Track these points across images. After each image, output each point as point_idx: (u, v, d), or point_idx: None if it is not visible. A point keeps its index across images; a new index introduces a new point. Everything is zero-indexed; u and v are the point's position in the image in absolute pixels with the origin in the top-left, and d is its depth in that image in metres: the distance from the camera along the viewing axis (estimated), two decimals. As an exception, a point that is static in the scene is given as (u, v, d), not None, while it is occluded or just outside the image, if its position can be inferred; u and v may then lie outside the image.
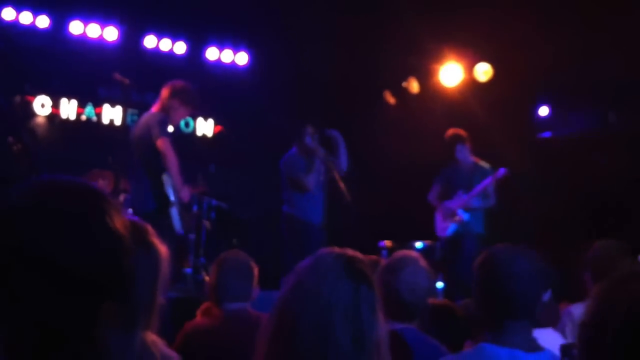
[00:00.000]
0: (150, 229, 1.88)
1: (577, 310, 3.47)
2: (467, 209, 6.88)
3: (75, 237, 1.12)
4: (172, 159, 5.27)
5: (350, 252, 1.70)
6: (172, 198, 5.33)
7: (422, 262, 3.02)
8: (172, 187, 5.35)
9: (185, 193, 5.45)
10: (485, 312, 2.44)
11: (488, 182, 6.77)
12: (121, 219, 1.19)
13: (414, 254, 3.12)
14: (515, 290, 2.35)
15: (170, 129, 5.55)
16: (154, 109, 5.60)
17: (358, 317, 1.60)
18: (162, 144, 5.26)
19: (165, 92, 5.57)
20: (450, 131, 7.03)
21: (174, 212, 5.36)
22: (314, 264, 1.67)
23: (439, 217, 7.04)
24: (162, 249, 1.85)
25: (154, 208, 5.29)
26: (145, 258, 1.79)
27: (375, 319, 1.62)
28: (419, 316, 2.96)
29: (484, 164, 7.02)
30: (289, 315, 1.62)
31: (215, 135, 9.78)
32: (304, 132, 6.48)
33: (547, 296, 3.68)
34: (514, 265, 2.38)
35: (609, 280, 1.44)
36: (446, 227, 6.92)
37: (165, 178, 5.34)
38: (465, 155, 6.98)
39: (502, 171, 6.77)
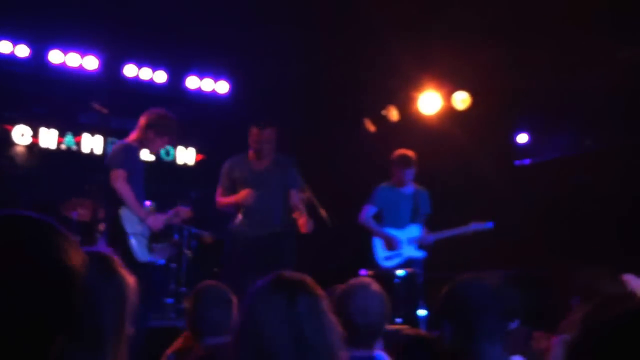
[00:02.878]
0: (116, 259, 1.87)
1: None
2: (421, 246, 6.73)
3: (27, 273, 1.12)
4: (124, 192, 5.20)
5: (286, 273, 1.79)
6: (128, 230, 5.22)
7: (375, 287, 3.03)
8: (132, 218, 5.26)
9: (153, 222, 5.35)
10: (458, 339, 2.46)
11: (469, 229, 6.54)
12: (77, 254, 1.19)
13: (366, 279, 3.14)
14: (482, 319, 2.40)
15: (150, 157, 5.55)
16: (131, 137, 5.58)
17: (297, 326, 1.65)
18: (113, 176, 5.23)
19: (141, 122, 5.54)
20: (400, 152, 6.78)
21: (133, 242, 5.23)
22: (254, 287, 1.76)
23: (380, 244, 6.78)
24: (129, 278, 1.84)
25: (108, 239, 5.27)
26: (111, 288, 1.79)
27: (320, 325, 1.67)
28: (375, 342, 2.97)
29: (422, 188, 6.91)
30: (236, 345, 1.69)
31: (197, 163, 9.78)
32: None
33: (515, 324, 3.71)
34: (475, 293, 2.45)
35: (593, 303, 1.46)
36: (392, 258, 6.68)
37: (123, 211, 5.26)
38: (410, 179, 6.77)
39: (489, 225, 6.55)
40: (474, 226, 6.58)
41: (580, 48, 7.00)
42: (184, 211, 5.76)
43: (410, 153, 6.74)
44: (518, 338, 3.48)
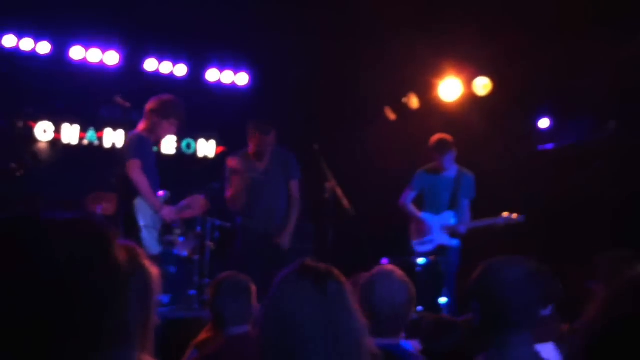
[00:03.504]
0: (141, 251, 1.89)
1: None
2: (453, 235, 6.73)
3: (82, 275, 1.15)
4: (139, 182, 5.21)
5: (309, 262, 1.79)
6: (141, 222, 5.22)
7: (399, 275, 3.02)
8: (145, 210, 5.27)
9: (167, 213, 5.38)
10: (485, 326, 2.42)
11: (500, 222, 6.53)
12: (121, 250, 1.22)
13: (389, 267, 3.12)
14: (511, 299, 2.34)
15: (171, 150, 5.56)
16: (139, 127, 5.59)
17: (328, 312, 1.66)
18: (129, 166, 5.24)
19: (146, 109, 5.56)
20: (437, 137, 6.82)
21: (145, 234, 5.24)
22: (278, 279, 1.75)
23: (416, 230, 6.82)
24: (153, 270, 1.86)
25: (122, 232, 5.24)
26: (136, 280, 1.80)
27: (349, 311, 1.68)
28: (401, 330, 2.96)
29: (468, 172, 6.89)
30: (262, 334, 1.69)
31: (217, 155, 9.81)
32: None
33: (548, 311, 3.66)
34: (509, 274, 2.37)
35: (613, 289, 1.43)
36: (425, 244, 6.72)
37: (138, 202, 5.26)
38: (451, 163, 6.79)
39: (520, 219, 6.53)
40: (506, 218, 6.54)
41: (601, 32, 6.91)
42: (199, 201, 5.76)
43: (447, 137, 6.76)
44: (551, 324, 3.43)
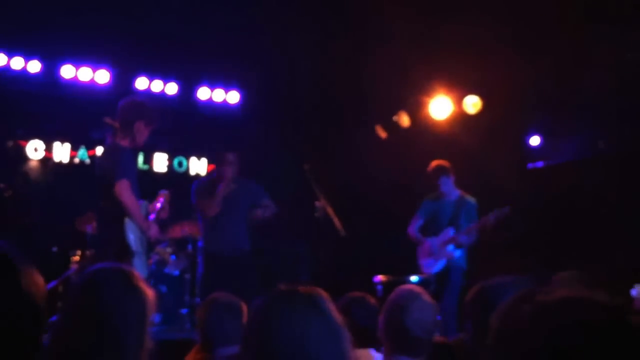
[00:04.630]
0: (136, 273, 1.89)
1: None
2: (457, 246, 6.82)
3: None
4: (129, 204, 4.92)
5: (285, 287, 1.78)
6: (133, 247, 4.97)
7: (427, 297, 3.03)
8: (134, 233, 5.01)
9: (154, 233, 5.12)
10: (481, 349, 2.40)
11: (490, 217, 6.58)
12: (33, 279, 1.22)
13: (417, 288, 3.13)
14: None
15: (163, 168, 5.43)
16: (117, 139, 5.24)
17: (330, 330, 1.66)
18: (118, 187, 4.92)
19: (121, 120, 5.20)
20: (434, 163, 6.95)
21: (136, 262, 4.94)
22: (262, 301, 1.73)
23: (422, 253, 6.94)
24: (149, 292, 1.86)
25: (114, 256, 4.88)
26: (133, 302, 1.80)
27: (337, 336, 1.69)
28: (426, 351, 2.96)
29: (470, 198, 6.98)
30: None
31: (209, 173, 9.80)
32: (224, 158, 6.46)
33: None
34: (504, 298, 2.36)
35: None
36: (432, 264, 6.81)
37: (128, 223, 4.99)
38: (450, 188, 6.90)
39: (506, 209, 6.58)
40: (494, 214, 6.60)
41: (592, 49, 6.98)
42: (188, 227, 5.65)
43: (444, 163, 6.87)
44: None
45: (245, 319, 3.39)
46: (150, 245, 5.27)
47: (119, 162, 5.03)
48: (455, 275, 6.70)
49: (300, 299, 1.72)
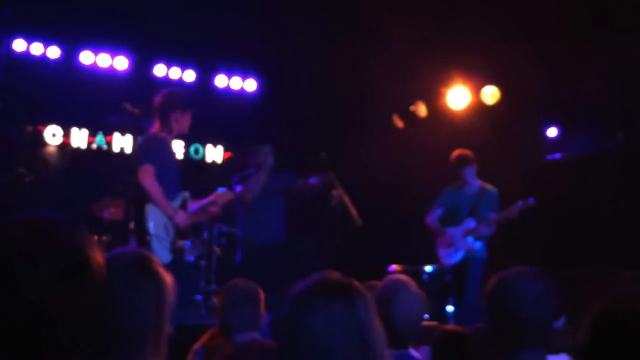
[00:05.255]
0: (155, 258, 1.90)
1: None
2: (478, 238, 6.77)
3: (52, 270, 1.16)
4: (151, 189, 4.98)
5: (329, 274, 1.77)
6: (151, 231, 4.99)
7: (414, 288, 3.02)
8: (157, 217, 5.04)
9: (181, 219, 5.14)
10: (498, 339, 2.39)
11: (515, 209, 6.51)
12: (99, 251, 1.23)
13: (404, 279, 3.12)
14: (527, 316, 2.29)
15: (178, 154, 5.41)
16: (154, 128, 5.35)
17: (360, 328, 1.65)
18: (141, 173, 5.00)
19: (159, 109, 5.29)
20: (457, 152, 6.88)
21: (155, 243, 5.00)
22: (299, 295, 1.72)
23: (441, 243, 6.89)
24: (167, 277, 1.87)
25: (134, 239, 5.09)
26: (151, 287, 1.82)
27: (375, 325, 1.68)
28: (413, 341, 2.96)
29: (491, 187, 6.93)
30: (290, 353, 1.67)
31: (225, 161, 9.84)
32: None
33: (561, 322, 3.64)
34: (524, 290, 2.32)
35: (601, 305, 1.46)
36: (451, 254, 6.78)
37: (149, 209, 5.05)
38: (473, 178, 6.85)
39: (531, 200, 6.51)
40: (519, 206, 6.54)
41: (609, 42, 6.91)
42: (224, 195, 5.62)
43: (467, 152, 6.80)
44: (564, 335, 3.42)
45: (262, 306, 3.42)
46: (180, 233, 5.20)
47: (145, 148, 5.13)
48: (476, 266, 6.65)
49: (338, 294, 1.69)
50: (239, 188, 6.64)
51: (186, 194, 5.31)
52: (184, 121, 5.34)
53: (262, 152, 6.69)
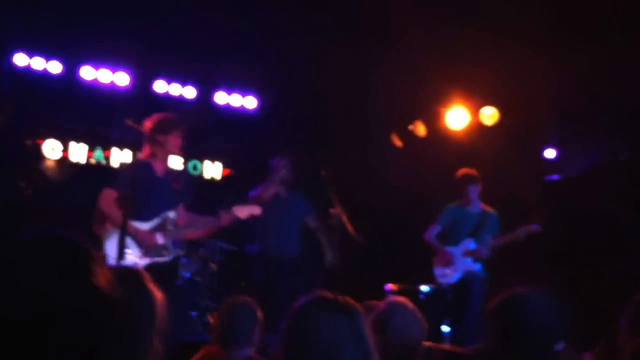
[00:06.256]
0: (145, 274, 1.90)
1: None
2: (477, 259, 6.74)
3: (59, 295, 1.15)
4: (105, 210, 5.18)
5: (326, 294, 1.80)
6: (107, 251, 5.10)
7: (412, 309, 3.01)
8: (113, 238, 5.13)
9: (141, 237, 5.19)
10: (502, 356, 2.36)
11: (519, 235, 6.54)
12: (104, 273, 1.22)
13: (403, 300, 3.12)
14: (532, 336, 2.28)
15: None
16: (143, 152, 5.48)
17: (361, 344, 1.68)
18: (100, 195, 5.25)
19: (145, 132, 5.38)
20: (463, 170, 6.90)
21: (109, 261, 5.02)
22: (302, 312, 1.74)
23: (438, 261, 6.86)
24: (158, 294, 1.86)
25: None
26: (142, 303, 1.81)
27: (369, 341, 1.70)
28: None
29: (492, 211, 6.93)
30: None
31: (224, 178, 9.84)
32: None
33: (560, 346, 3.62)
34: (529, 310, 2.32)
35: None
36: (449, 274, 6.78)
37: (109, 230, 5.20)
38: (476, 197, 6.85)
39: (535, 227, 6.56)
40: (524, 229, 6.56)
41: (608, 62, 6.95)
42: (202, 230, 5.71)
43: (472, 171, 6.80)
44: (565, 358, 3.40)
45: (261, 322, 3.42)
46: (146, 251, 5.24)
47: (115, 174, 5.52)
48: (479, 286, 6.63)
49: (342, 311, 1.73)
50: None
51: (170, 213, 5.34)
52: (169, 144, 5.40)
53: (281, 165, 6.76)
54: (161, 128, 5.38)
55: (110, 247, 5.13)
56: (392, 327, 2.89)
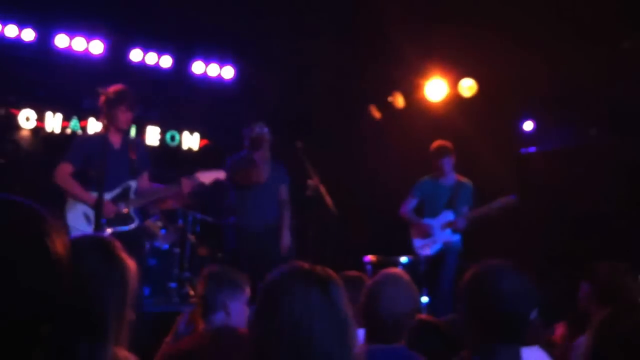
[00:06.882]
0: (117, 243, 1.87)
1: None
2: (455, 230, 6.78)
3: (13, 261, 1.12)
4: (62, 184, 5.27)
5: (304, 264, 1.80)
6: (69, 222, 5.18)
7: (405, 281, 3.01)
8: (74, 208, 5.23)
9: (108, 209, 5.21)
10: (473, 333, 2.36)
11: (496, 205, 6.58)
12: (61, 239, 1.20)
13: (397, 271, 3.12)
14: (504, 311, 2.29)
15: (154, 142, 5.37)
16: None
17: (336, 314, 1.68)
18: (55, 170, 5.32)
19: (100, 106, 5.39)
20: (437, 143, 6.86)
21: (72, 233, 5.08)
22: (275, 283, 1.74)
23: (416, 233, 6.88)
24: (131, 263, 1.84)
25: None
26: (112, 272, 1.79)
27: (348, 312, 1.71)
28: (404, 335, 2.95)
29: (466, 181, 6.96)
30: (269, 338, 1.68)
31: (201, 149, 9.79)
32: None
33: (533, 315, 3.67)
34: (502, 284, 2.31)
35: (609, 312, 1.46)
36: (429, 245, 6.81)
37: (68, 202, 5.28)
38: (450, 170, 6.87)
39: (512, 197, 6.58)
40: (500, 201, 6.61)
41: (586, 37, 6.96)
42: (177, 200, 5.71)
43: (446, 143, 6.80)
44: (536, 328, 3.45)
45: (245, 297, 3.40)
46: (110, 220, 5.25)
47: (67, 147, 5.48)
48: (451, 258, 6.69)
49: (315, 281, 1.72)
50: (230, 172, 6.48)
51: (131, 182, 5.40)
52: (117, 118, 5.39)
53: (255, 130, 6.60)
54: (110, 102, 5.35)
55: (73, 219, 5.19)
56: (383, 298, 2.89)
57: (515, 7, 6.93)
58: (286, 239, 6.52)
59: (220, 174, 5.56)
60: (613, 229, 7.19)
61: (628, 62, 7.05)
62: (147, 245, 7.37)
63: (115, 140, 5.48)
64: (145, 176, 5.57)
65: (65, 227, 5.08)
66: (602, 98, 7.52)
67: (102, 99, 5.31)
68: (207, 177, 5.47)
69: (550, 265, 7.13)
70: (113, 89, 5.39)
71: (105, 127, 5.37)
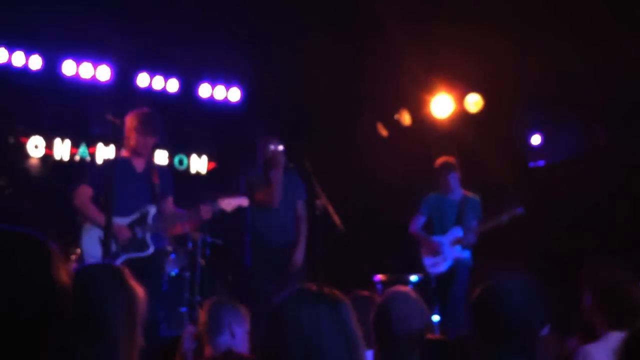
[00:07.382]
0: (126, 271, 1.88)
1: (595, 349, 3.24)
2: (465, 247, 6.75)
3: (18, 291, 1.13)
4: (80, 207, 5.27)
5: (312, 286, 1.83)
6: (83, 247, 5.17)
7: (414, 298, 3.00)
8: (90, 233, 5.19)
9: (117, 231, 5.18)
10: (482, 349, 2.35)
11: (503, 218, 6.60)
12: (65, 269, 1.20)
13: (405, 289, 3.11)
14: (514, 325, 2.27)
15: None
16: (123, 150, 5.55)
17: (344, 333, 1.69)
18: (73, 193, 5.30)
19: (124, 130, 5.45)
20: (442, 159, 6.90)
21: (85, 256, 5.17)
22: (283, 304, 1.75)
23: (426, 251, 6.86)
24: (139, 289, 1.85)
25: None
26: (121, 299, 1.80)
27: (356, 330, 1.75)
28: (415, 352, 2.93)
29: (473, 195, 6.94)
30: (274, 355, 1.68)
31: (209, 171, 9.79)
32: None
33: (545, 330, 3.63)
34: (513, 297, 2.31)
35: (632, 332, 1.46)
36: (439, 263, 6.77)
37: (85, 226, 5.27)
38: (457, 185, 6.87)
39: (520, 210, 6.61)
40: (508, 213, 6.60)
41: (590, 47, 6.96)
42: (188, 224, 5.70)
43: (451, 159, 6.84)
44: (549, 343, 3.41)
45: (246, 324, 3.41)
46: (122, 245, 5.23)
47: (86, 170, 5.65)
48: (462, 274, 6.66)
49: (324, 302, 1.74)
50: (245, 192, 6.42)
51: (151, 208, 5.32)
52: (142, 143, 5.45)
53: (270, 149, 6.47)
54: (139, 128, 5.39)
55: (88, 244, 5.14)
56: (393, 316, 2.88)
57: (519, 18, 6.96)
58: (299, 255, 6.44)
59: (244, 201, 5.54)
60: (613, 229, 7.15)
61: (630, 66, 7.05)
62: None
63: (138, 164, 5.48)
64: (169, 200, 5.56)
65: (69, 257, 5.10)
66: (608, 101, 7.50)
67: (127, 122, 5.35)
68: (229, 204, 5.45)
69: (555, 268, 7.08)
70: (136, 112, 5.43)
71: (128, 151, 5.40)
